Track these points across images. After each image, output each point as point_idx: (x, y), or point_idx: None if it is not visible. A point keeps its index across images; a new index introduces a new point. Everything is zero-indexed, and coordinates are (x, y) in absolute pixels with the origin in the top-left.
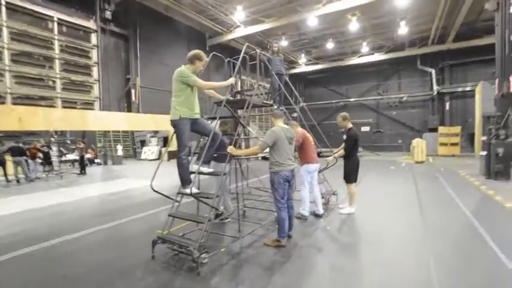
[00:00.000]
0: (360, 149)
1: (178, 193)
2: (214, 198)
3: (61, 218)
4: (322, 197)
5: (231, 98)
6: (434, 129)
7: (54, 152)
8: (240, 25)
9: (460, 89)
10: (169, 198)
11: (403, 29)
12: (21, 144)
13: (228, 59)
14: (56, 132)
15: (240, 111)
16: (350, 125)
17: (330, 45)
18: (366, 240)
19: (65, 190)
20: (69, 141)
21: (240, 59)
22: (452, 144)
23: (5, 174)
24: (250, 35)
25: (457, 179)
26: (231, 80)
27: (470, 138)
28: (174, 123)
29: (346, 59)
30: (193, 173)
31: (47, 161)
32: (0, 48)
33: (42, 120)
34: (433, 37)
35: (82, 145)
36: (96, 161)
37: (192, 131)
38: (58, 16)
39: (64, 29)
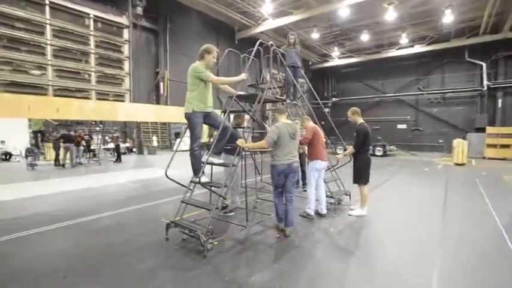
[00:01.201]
0: (393, 147)
1: (190, 181)
2: (222, 187)
3: (89, 200)
4: (332, 197)
5: (243, 93)
6: (482, 129)
7: (95, 140)
8: (268, 17)
9: None
10: (182, 185)
11: (448, 17)
12: (72, 132)
13: (244, 54)
14: (96, 122)
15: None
16: (360, 120)
17: (364, 37)
18: (367, 246)
19: (98, 176)
20: (112, 131)
21: (252, 54)
22: (503, 146)
23: (56, 159)
24: (279, 27)
25: (499, 185)
26: (243, 76)
27: None
28: (187, 116)
29: (383, 52)
30: (207, 163)
31: (88, 148)
32: (44, 44)
33: (77, 110)
34: (485, 26)
35: (117, 134)
36: (133, 150)
37: (204, 123)
38: (94, 13)
39: (99, 25)
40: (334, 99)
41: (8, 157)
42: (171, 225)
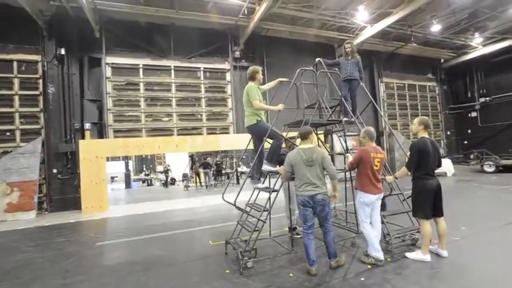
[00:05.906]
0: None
1: (246, 204)
2: (262, 211)
3: (210, 213)
4: (389, 234)
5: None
6: None
7: (222, 166)
8: (366, 25)
9: None
10: (238, 208)
11: None
12: (208, 159)
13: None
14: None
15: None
16: (422, 134)
17: None
18: None
19: (208, 197)
20: (234, 157)
21: (294, 78)
22: None
23: (196, 182)
24: (384, 31)
25: None
26: (279, 107)
27: None
28: (250, 128)
29: None
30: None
31: (218, 172)
32: (170, 97)
33: (190, 145)
34: None
35: (234, 161)
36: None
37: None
38: (204, 66)
39: (207, 74)
40: (482, 99)
41: (173, 181)
42: (228, 243)
